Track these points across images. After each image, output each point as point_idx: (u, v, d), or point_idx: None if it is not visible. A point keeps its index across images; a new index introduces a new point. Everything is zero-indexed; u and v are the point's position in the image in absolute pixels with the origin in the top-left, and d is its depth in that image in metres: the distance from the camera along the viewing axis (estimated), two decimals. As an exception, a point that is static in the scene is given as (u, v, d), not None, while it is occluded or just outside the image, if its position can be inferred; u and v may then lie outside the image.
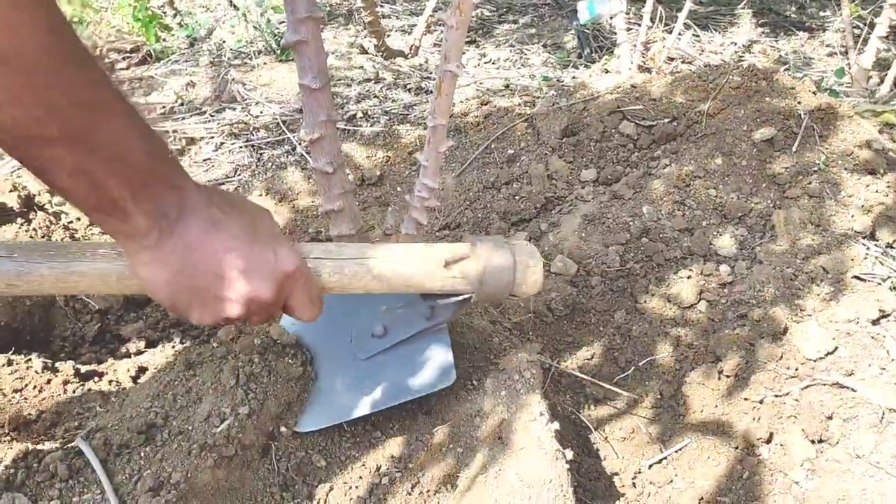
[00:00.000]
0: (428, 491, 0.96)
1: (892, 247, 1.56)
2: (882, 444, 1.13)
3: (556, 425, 0.96)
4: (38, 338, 1.25)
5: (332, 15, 3.68)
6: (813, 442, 1.18)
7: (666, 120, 1.95)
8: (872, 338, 1.29)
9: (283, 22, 1.95)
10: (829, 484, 1.12)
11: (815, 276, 1.47)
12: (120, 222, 0.61)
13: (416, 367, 1.03)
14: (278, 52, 2.85)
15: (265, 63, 2.78)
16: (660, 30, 3.07)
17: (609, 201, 1.76)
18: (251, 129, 2.31)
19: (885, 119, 2.09)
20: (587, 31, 3.28)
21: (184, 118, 2.38)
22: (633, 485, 1.23)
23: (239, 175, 2.11)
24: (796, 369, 1.28)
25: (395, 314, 1.04)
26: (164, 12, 3.22)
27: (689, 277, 1.53)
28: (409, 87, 2.67)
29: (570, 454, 0.94)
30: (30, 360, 1.08)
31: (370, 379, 1.03)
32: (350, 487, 0.96)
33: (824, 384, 1.24)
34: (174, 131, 2.28)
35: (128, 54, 2.94)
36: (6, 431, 0.97)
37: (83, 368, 1.13)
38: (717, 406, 1.32)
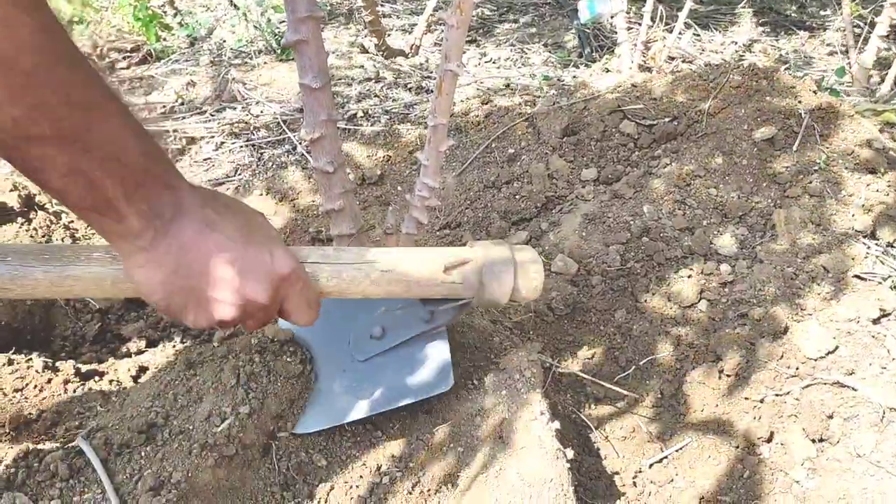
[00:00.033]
0: (428, 490, 0.96)
1: (892, 246, 1.56)
2: (883, 443, 1.13)
3: (556, 424, 0.96)
4: (39, 337, 1.25)
5: (332, 14, 3.68)
6: (813, 441, 1.18)
7: (666, 119, 1.95)
8: (873, 337, 1.29)
9: (284, 21, 1.95)
10: (829, 483, 1.12)
11: (815, 276, 1.47)
12: (114, 223, 0.61)
13: (414, 369, 1.03)
14: (279, 51, 2.85)
15: (265, 62, 2.77)
16: (660, 29, 3.07)
17: (609, 200, 1.76)
18: (252, 128, 2.31)
19: (886, 118, 2.09)
20: (588, 30, 3.28)
21: (184, 118, 2.38)
22: (634, 484, 1.23)
23: (239, 174, 2.11)
24: (797, 368, 1.28)
25: (394, 316, 1.03)
26: (165, 12, 3.22)
27: (689, 277, 1.53)
28: (409, 86, 2.67)
29: (570, 453, 0.94)
30: (30, 359, 1.08)
31: (368, 381, 1.03)
32: (351, 487, 0.96)
33: (825, 383, 1.24)
34: (174, 131, 2.28)
35: (128, 54, 2.94)
36: (7, 431, 0.97)
37: (84, 368, 1.14)
38: (717, 405, 1.32)
